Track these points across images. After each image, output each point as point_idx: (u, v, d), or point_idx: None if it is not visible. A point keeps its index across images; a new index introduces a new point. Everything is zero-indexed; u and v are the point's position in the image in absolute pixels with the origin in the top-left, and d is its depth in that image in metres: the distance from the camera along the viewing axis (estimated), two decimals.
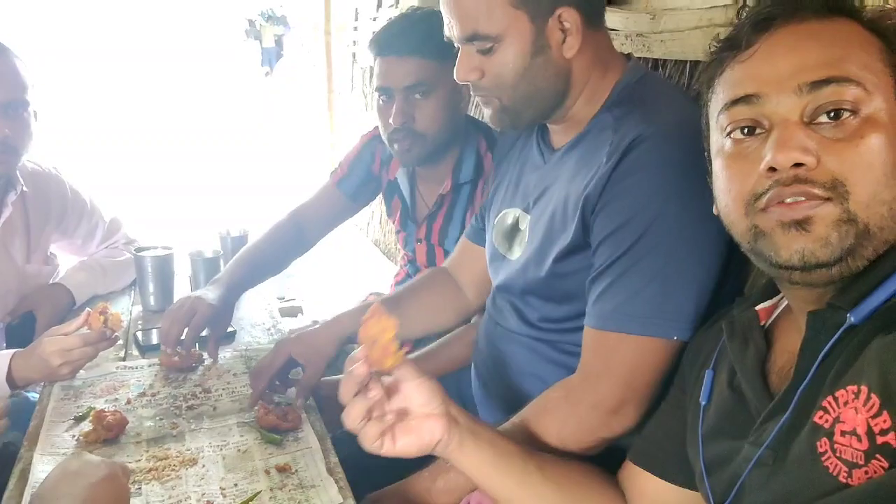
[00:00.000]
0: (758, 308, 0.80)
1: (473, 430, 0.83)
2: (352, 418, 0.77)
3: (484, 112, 1.11)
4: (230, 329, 1.49)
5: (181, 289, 1.65)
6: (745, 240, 0.71)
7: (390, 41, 1.45)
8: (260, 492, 0.95)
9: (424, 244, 1.65)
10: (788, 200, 0.65)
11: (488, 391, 1.22)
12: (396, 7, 3.11)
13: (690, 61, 1.35)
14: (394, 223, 1.76)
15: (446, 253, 1.61)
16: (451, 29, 1.04)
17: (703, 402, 0.81)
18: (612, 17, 1.47)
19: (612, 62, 1.06)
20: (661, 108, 0.96)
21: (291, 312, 3.18)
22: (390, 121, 1.46)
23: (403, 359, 0.78)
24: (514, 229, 1.15)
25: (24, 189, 1.53)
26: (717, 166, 0.74)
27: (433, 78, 1.43)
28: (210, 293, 1.36)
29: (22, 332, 1.48)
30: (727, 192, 0.72)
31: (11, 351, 1.27)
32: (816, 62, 0.66)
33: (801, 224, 0.65)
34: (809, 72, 0.66)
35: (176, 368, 1.31)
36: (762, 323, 0.79)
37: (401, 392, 0.79)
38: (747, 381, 0.75)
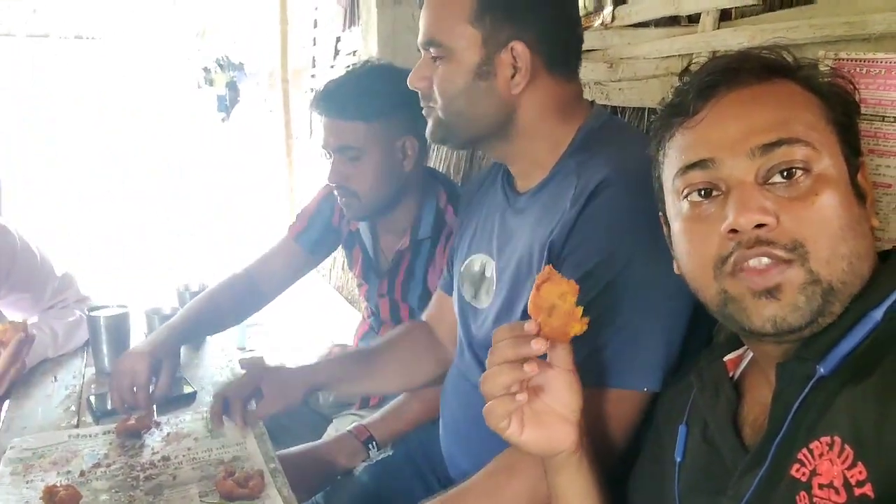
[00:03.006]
0: (725, 359, 0.80)
1: (589, 456, 0.80)
2: (496, 385, 0.72)
3: (427, 127, 1.10)
4: (190, 390, 1.44)
5: None
6: (713, 304, 0.71)
7: (325, 102, 1.46)
8: None
9: (387, 299, 1.63)
10: (752, 263, 0.66)
11: (460, 447, 1.19)
12: (354, 55, 3.13)
13: (648, 108, 1.38)
14: (355, 275, 1.73)
15: (410, 308, 1.59)
16: (419, 32, 1.05)
17: (679, 460, 0.80)
18: None
19: (575, 109, 1.06)
20: (625, 153, 0.96)
21: (252, 364, 3.09)
22: (327, 179, 1.47)
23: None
24: (481, 276, 1.13)
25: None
26: (677, 229, 0.74)
27: (363, 141, 1.43)
28: (147, 345, 1.33)
29: None
30: (690, 255, 0.72)
31: None
32: (765, 125, 0.68)
33: (772, 292, 0.66)
34: (760, 135, 0.67)
35: (131, 434, 1.25)
36: (731, 374, 0.79)
37: (549, 379, 0.75)
38: (720, 435, 0.74)
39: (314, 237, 1.68)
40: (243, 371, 1.49)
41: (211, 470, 1.16)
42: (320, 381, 1.27)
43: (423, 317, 1.39)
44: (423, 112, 1.09)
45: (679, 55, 1.28)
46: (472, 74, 1.00)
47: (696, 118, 0.72)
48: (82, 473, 1.14)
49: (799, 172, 0.66)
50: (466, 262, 1.18)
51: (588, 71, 1.47)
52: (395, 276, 1.59)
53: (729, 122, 0.69)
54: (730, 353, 0.81)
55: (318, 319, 3.32)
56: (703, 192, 0.70)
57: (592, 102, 1.12)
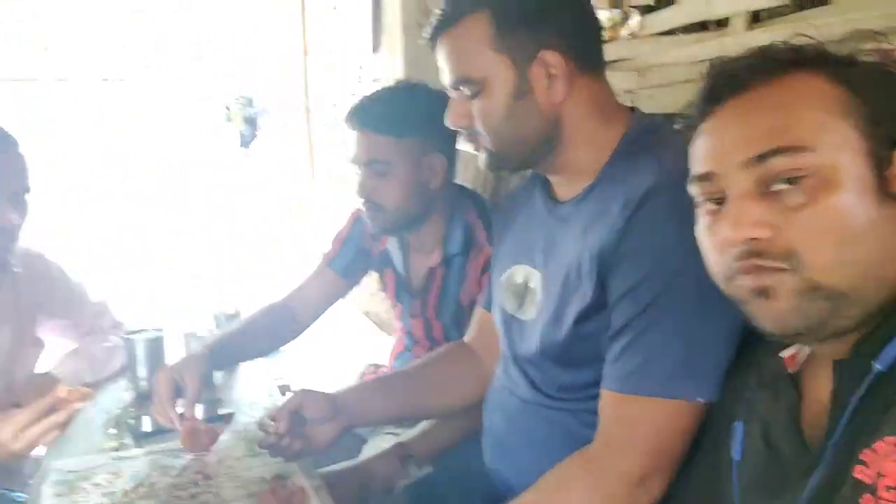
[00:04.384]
0: (783, 355, 0.78)
1: None
2: None
3: (480, 159, 1.09)
4: (228, 411, 1.43)
5: None
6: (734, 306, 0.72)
7: (358, 115, 1.47)
8: None
9: (421, 319, 1.62)
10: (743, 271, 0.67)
11: (506, 462, 1.16)
12: (377, 82, 3.17)
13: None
14: (388, 296, 1.72)
15: (444, 327, 1.58)
16: (443, 76, 1.05)
17: (737, 458, 0.78)
18: None
19: (614, 111, 1.04)
20: (674, 158, 0.95)
21: (282, 392, 3.09)
22: (355, 192, 1.48)
23: None
24: (525, 288, 1.11)
25: (16, 270, 1.49)
26: (697, 235, 0.75)
27: (392, 156, 1.44)
28: (187, 360, 1.33)
29: None
30: (707, 260, 0.73)
31: None
32: (761, 134, 0.66)
33: (764, 293, 0.66)
34: (754, 145, 0.66)
35: (193, 450, 1.24)
36: (789, 370, 0.77)
37: None
38: (783, 435, 0.72)
39: (346, 260, 1.68)
40: (281, 395, 1.49)
41: (253, 487, 1.15)
42: (359, 406, 1.25)
43: (465, 339, 1.37)
44: (473, 147, 1.09)
45: (711, 59, 1.27)
46: (510, 98, 0.99)
47: (701, 127, 0.72)
48: (125, 493, 1.13)
49: (802, 178, 0.64)
50: (507, 274, 1.16)
51: (617, 80, 1.46)
52: (427, 295, 1.58)
53: (726, 133, 0.69)
54: (787, 348, 0.79)
55: (347, 345, 3.31)
56: (715, 201, 0.71)
57: (633, 108, 1.10)
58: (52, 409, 1.17)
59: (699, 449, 0.88)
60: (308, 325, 1.71)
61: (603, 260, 0.93)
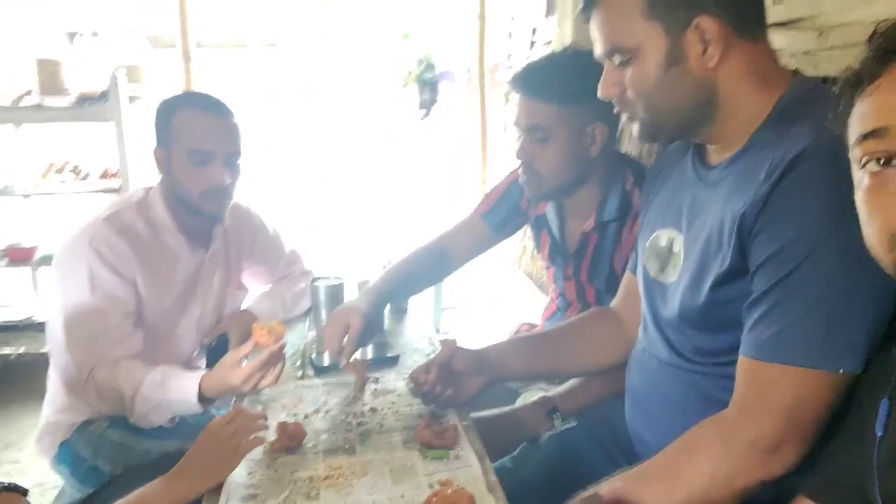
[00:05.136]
0: None
1: None
2: None
3: (633, 129, 1.09)
4: (395, 354, 1.59)
5: None
6: (892, 275, 0.69)
7: (523, 81, 1.50)
8: None
9: (574, 282, 1.66)
10: None
11: (646, 423, 1.20)
12: (549, 46, 3.18)
13: None
14: (543, 258, 1.78)
15: (597, 291, 1.61)
16: (595, 47, 1.06)
17: (880, 434, 0.76)
18: (776, 37, 1.42)
19: (773, 75, 1.01)
20: (828, 123, 0.91)
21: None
22: (515, 155, 1.53)
23: None
24: (668, 251, 1.12)
25: (227, 224, 1.74)
26: (858, 200, 0.72)
27: (554, 123, 1.46)
28: (361, 303, 1.46)
29: (218, 352, 1.67)
30: (868, 225, 0.71)
31: (201, 372, 1.44)
32: None
33: None
34: None
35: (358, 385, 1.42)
36: None
37: None
38: None
39: (501, 217, 1.75)
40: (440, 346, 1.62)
41: (412, 422, 1.29)
42: (504, 362, 1.35)
43: (612, 303, 1.40)
44: (625, 119, 1.09)
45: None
46: (662, 66, 0.99)
47: (872, 85, 0.69)
48: (306, 416, 1.32)
49: None
50: (652, 238, 1.17)
51: (795, 41, 1.40)
52: (581, 259, 1.62)
53: None
54: None
55: (509, 303, 3.43)
56: (882, 161, 0.68)
57: (795, 72, 1.06)
58: (272, 358, 1.34)
59: (844, 422, 0.87)
60: (456, 269, 1.81)
61: (745, 225, 0.92)
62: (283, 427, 1.21)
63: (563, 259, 1.68)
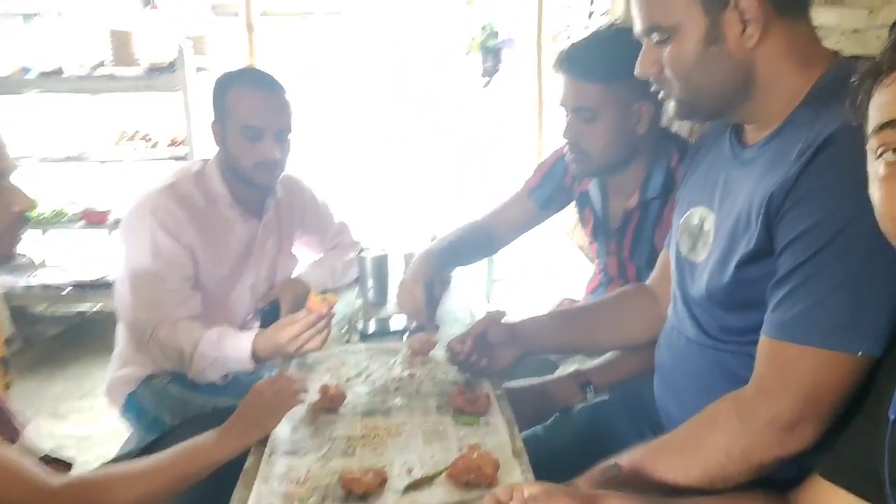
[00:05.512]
0: None
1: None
2: None
3: (670, 108, 1.10)
4: (436, 323, 1.65)
5: (395, 285, 1.85)
6: None
7: (568, 61, 1.51)
8: (446, 470, 1.06)
9: (615, 258, 1.68)
10: None
11: (674, 399, 1.22)
12: (607, 15, 3.13)
13: None
14: (586, 233, 1.81)
15: (637, 268, 1.63)
16: (634, 24, 1.07)
17: (893, 417, 0.78)
18: (824, 15, 1.40)
19: (813, 55, 1.00)
20: (848, 113, 0.90)
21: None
22: (562, 135, 1.55)
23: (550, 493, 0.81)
24: (699, 230, 1.13)
25: (279, 195, 1.83)
26: (873, 189, 0.73)
27: (599, 103, 1.47)
28: (416, 274, 1.56)
29: (271, 316, 1.77)
30: (884, 215, 0.71)
31: (254, 332, 1.53)
32: None
33: None
34: None
35: (420, 354, 1.49)
36: None
37: None
38: None
39: (546, 194, 1.78)
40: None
41: (447, 388, 1.35)
42: (537, 335, 1.39)
43: (648, 280, 1.42)
44: (660, 97, 1.10)
45: None
46: (701, 44, 0.99)
47: (892, 76, 0.69)
48: (348, 379, 1.40)
49: None
50: (686, 215, 1.18)
51: (844, 18, 1.36)
52: (623, 236, 1.63)
53: None
54: None
55: (558, 275, 3.44)
56: None
57: (836, 53, 1.05)
58: (319, 322, 1.42)
59: (861, 404, 0.88)
60: (503, 246, 1.86)
61: (772, 206, 0.92)
62: (325, 389, 1.29)
63: (605, 235, 1.70)
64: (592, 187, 1.69)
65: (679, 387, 1.20)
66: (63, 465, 1.21)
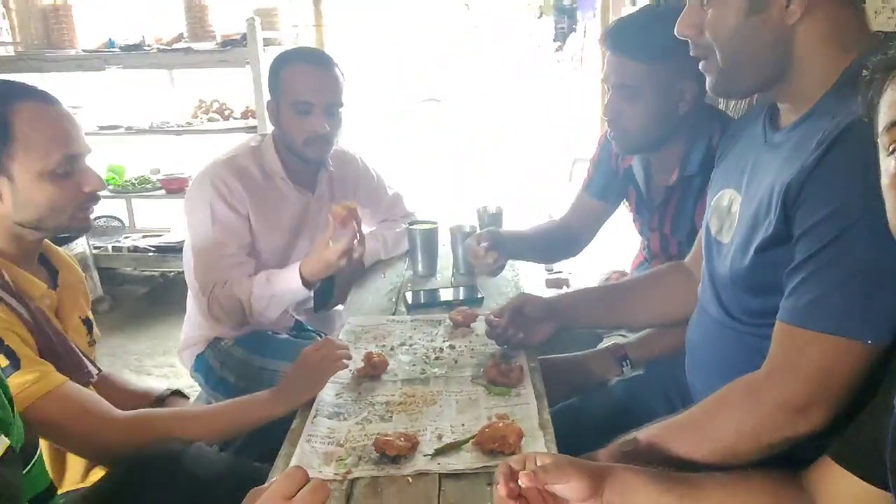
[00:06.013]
0: None
1: (623, 490, 0.90)
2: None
3: (707, 81, 1.11)
4: (480, 295, 1.71)
5: (444, 257, 1.92)
6: None
7: (612, 38, 1.51)
8: (472, 437, 1.12)
9: (658, 233, 1.69)
10: None
11: (701, 378, 1.25)
12: None
13: None
14: (630, 210, 1.81)
15: (679, 244, 1.63)
16: None
17: None
18: None
19: (854, 37, 0.98)
20: (859, 108, 0.89)
21: (557, 284, 3.35)
22: (603, 112, 1.55)
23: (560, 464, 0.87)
24: (728, 211, 1.14)
25: (331, 168, 1.91)
26: (884, 186, 0.73)
27: (642, 81, 1.47)
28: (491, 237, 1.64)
29: (324, 289, 1.88)
30: (892, 213, 0.72)
31: (298, 263, 1.67)
32: None
33: None
34: None
35: (462, 326, 1.56)
36: None
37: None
38: None
39: (600, 184, 1.80)
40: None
41: (484, 359, 1.41)
42: (573, 311, 1.43)
43: (686, 258, 1.43)
44: (700, 67, 1.10)
45: None
46: (743, 12, 0.99)
47: None
48: (392, 348, 1.49)
49: None
50: (717, 196, 1.19)
51: None
52: (664, 212, 1.64)
53: None
54: None
55: (615, 247, 3.42)
56: None
57: (877, 34, 1.02)
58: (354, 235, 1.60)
59: (872, 390, 0.89)
60: (580, 248, 1.92)
61: (789, 195, 0.93)
62: (368, 356, 1.38)
63: (647, 211, 1.71)
64: (635, 164, 1.70)
65: (705, 366, 1.22)
66: (183, 397, 1.50)
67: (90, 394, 1.15)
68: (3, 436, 0.80)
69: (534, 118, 6.24)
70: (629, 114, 1.52)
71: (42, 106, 1.19)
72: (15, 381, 1.05)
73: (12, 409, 0.87)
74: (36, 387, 1.08)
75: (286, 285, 1.68)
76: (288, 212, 1.85)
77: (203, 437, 1.18)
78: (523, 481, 0.87)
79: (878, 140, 0.74)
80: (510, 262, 1.96)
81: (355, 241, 1.60)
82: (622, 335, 1.74)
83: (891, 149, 0.71)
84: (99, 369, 1.27)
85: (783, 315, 0.95)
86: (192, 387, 2.02)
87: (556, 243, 1.87)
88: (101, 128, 3.86)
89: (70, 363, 1.20)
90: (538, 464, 0.90)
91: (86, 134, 1.27)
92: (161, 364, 3.17)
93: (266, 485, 0.79)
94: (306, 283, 1.66)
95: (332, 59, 1.77)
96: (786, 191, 0.94)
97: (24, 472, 0.93)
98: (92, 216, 1.29)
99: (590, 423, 1.42)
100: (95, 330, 1.40)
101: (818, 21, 0.97)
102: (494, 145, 5.89)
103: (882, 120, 0.73)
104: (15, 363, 1.07)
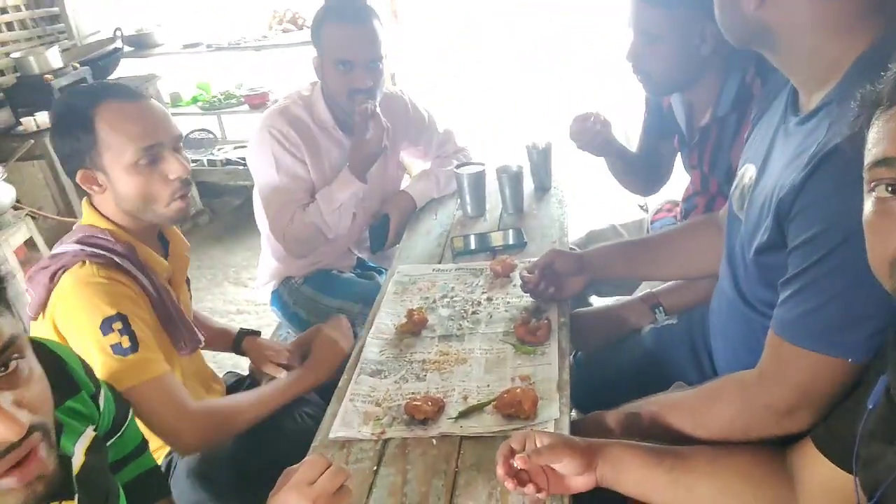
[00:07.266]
0: None
1: (615, 464, 1.00)
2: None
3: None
4: (525, 240, 1.77)
5: (493, 198, 1.97)
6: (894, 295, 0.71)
7: None
8: (493, 401, 1.25)
9: (698, 171, 1.68)
10: None
11: (718, 340, 1.30)
12: None
13: None
14: (675, 146, 1.79)
15: (719, 183, 1.61)
16: None
17: (870, 407, 0.83)
18: None
19: (861, 21, 0.92)
20: (850, 127, 0.85)
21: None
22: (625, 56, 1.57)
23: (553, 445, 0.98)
24: (748, 189, 1.13)
25: (378, 111, 1.96)
26: (864, 221, 0.73)
27: (662, 28, 1.46)
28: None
29: (380, 230, 2.00)
30: (871, 248, 0.72)
31: (344, 170, 1.87)
32: None
33: None
34: None
35: (501, 276, 1.63)
36: None
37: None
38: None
39: (652, 122, 1.85)
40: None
41: (516, 313, 1.50)
42: (604, 264, 1.48)
43: (720, 212, 1.43)
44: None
45: None
46: None
47: (890, 111, 0.67)
48: (434, 301, 1.60)
49: None
50: (742, 169, 1.18)
51: None
52: (703, 150, 1.64)
53: None
54: None
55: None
56: (890, 189, 0.68)
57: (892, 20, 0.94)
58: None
59: (853, 396, 0.93)
60: (660, 184, 2.02)
61: (782, 209, 0.94)
62: (410, 313, 1.50)
63: (687, 149, 1.70)
64: (675, 101, 1.67)
65: (721, 329, 1.27)
66: (255, 334, 1.72)
67: (179, 387, 1.33)
68: (90, 428, 0.99)
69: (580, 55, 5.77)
70: (651, 58, 1.52)
71: (121, 105, 1.28)
72: (128, 361, 1.23)
73: (100, 390, 1.03)
74: (142, 372, 1.25)
75: (346, 188, 1.83)
76: (340, 160, 1.93)
77: (256, 421, 1.39)
78: (518, 464, 0.99)
79: (863, 172, 0.73)
80: (558, 196, 2.00)
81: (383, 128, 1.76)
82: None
83: (871, 186, 0.71)
84: (202, 337, 1.46)
85: (775, 325, 0.98)
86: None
87: (637, 179, 1.96)
88: (185, 46, 4.02)
89: (185, 332, 1.40)
90: (537, 444, 1.01)
91: (170, 53, 1.38)
92: (255, 276, 3.44)
93: (297, 465, 0.95)
94: (360, 178, 1.83)
95: (371, 10, 1.79)
96: (778, 206, 0.95)
97: (119, 434, 1.12)
98: (187, 204, 1.38)
99: (620, 370, 1.52)
100: (191, 289, 1.60)
101: (797, 6, 0.93)
102: (542, 80, 5.58)
103: (867, 155, 0.72)
104: (134, 346, 1.24)
